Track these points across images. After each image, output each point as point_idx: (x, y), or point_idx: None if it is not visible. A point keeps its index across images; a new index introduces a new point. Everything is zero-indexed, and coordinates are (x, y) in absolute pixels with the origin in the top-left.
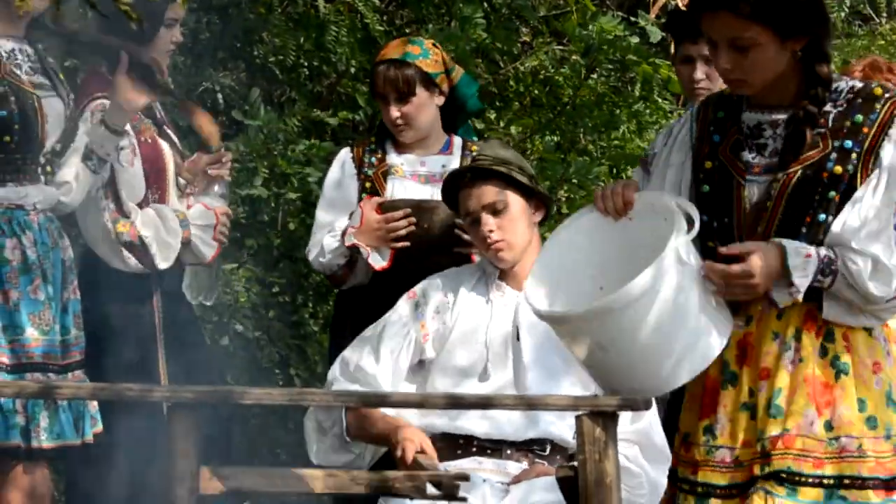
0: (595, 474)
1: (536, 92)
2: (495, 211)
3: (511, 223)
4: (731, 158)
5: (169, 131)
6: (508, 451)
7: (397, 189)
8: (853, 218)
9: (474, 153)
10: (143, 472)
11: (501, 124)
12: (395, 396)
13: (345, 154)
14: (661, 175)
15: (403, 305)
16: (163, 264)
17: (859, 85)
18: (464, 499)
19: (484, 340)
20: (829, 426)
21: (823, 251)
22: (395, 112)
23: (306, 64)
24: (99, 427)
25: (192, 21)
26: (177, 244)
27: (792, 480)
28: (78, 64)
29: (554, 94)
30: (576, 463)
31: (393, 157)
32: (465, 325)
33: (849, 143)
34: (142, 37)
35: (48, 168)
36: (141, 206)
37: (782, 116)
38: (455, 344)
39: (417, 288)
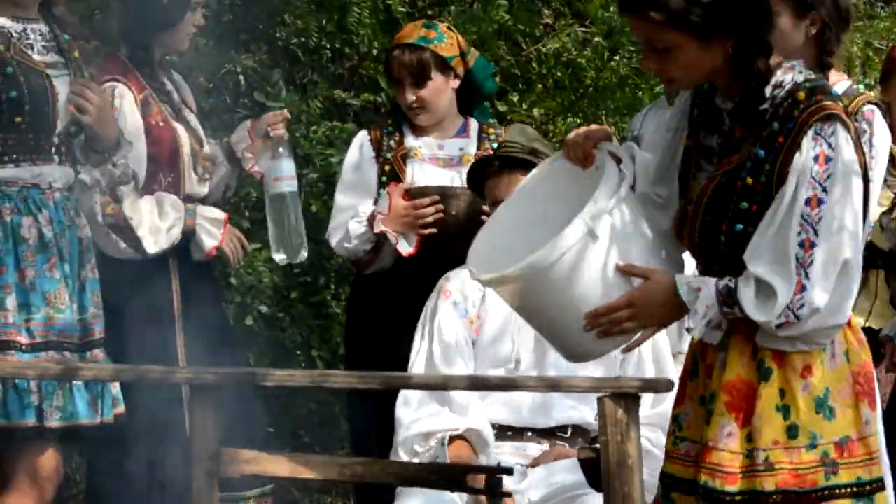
0: (617, 456)
1: (559, 74)
2: None
3: None
4: (695, 141)
5: (188, 115)
6: (529, 434)
7: (417, 173)
8: (754, 238)
9: (500, 139)
10: (161, 454)
11: (524, 106)
12: (417, 378)
13: (362, 137)
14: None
15: (446, 312)
16: (152, 248)
17: (798, 80)
18: (509, 494)
19: (513, 331)
20: (749, 437)
21: (723, 282)
22: (410, 96)
23: (328, 46)
24: (121, 408)
25: (214, 3)
26: (172, 230)
27: (707, 497)
28: (98, 46)
29: (576, 77)
30: (598, 445)
31: (411, 140)
32: (496, 318)
33: (762, 153)
34: (168, 22)
35: (63, 148)
36: (146, 189)
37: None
38: (487, 336)
39: (450, 286)
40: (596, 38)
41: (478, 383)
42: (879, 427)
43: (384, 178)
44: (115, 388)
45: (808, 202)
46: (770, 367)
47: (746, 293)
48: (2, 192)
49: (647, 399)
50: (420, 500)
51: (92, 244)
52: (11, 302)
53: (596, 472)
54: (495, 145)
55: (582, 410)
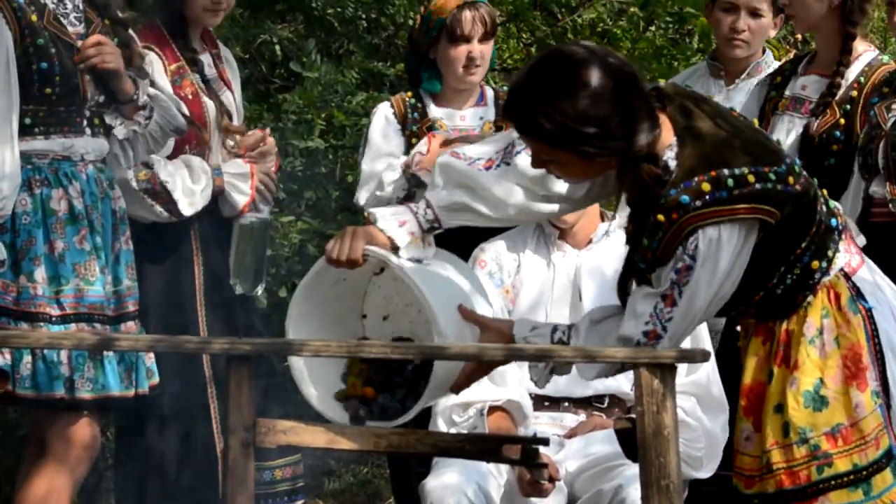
0: (653, 426)
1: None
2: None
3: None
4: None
5: (222, 90)
6: (566, 404)
7: None
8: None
9: None
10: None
11: None
12: (453, 349)
13: (385, 109)
14: None
15: (482, 281)
16: (187, 210)
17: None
18: (544, 465)
19: (547, 303)
20: (763, 439)
21: (557, 335)
22: (477, 50)
23: (364, 16)
24: (155, 379)
25: None
26: (204, 191)
27: (739, 500)
28: (136, 16)
29: (612, 47)
30: (634, 415)
31: (434, 111)
32: (531, 289)
33: (646, 241)
34: None
35: (95, 120)
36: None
37: None
38: (523, 306)
39: (486, 256)
40: (632, 9)
41: (514, 354)
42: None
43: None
44: (150, 359)
45: (678, 271)
46: (772, 368)
47: (581, 342)
48: (32, 165)
49: (681, 368)
50: (456, 470)
51: (126, 216)
52: (41, 274)
53: (632, 442)
54: None
55: (618, 380)
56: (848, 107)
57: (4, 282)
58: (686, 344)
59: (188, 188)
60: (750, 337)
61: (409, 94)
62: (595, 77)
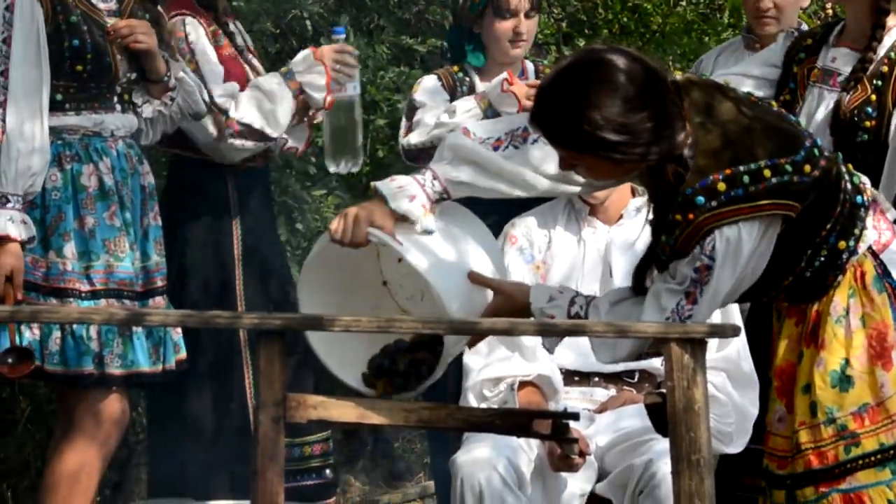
0: (684, 401)
1: (625, 19)
2: None
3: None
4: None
5: (250, 58)
6: (596, 379)
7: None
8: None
9: None
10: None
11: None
12: (484, 324)
13: (434, 81)
14: None
15: (513, 258)
16: (276, 132)
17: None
18: (574, 439)
19: (578, 279)
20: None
21: (574, 309)
22: (523, 25)
23: None
24: (182, 354)
25: None
26: (284, 105)
27: (768, 479)
28: None
29: (643, 22)
30: (664, 390)
31: (479, 86)
32: (561, 265)
33: (664, 238)
34: None
35: (126, 96)
36: None
37: None
38: (554, 282)
39: (516, 232)
40: None
41: (545, 329)
42: None
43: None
44: (177, 334)
45: (696, 270)
46: (802, 349)
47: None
48: (63, 140)
49: (712, 343)
50: (487, 445)
51: (155, 191)
52: (70, 249)
53: (662, 417)
54: None
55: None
56: (879, 83)
57: (34, 257)
58: (717, 319)
59: (266, 111)
60: (783, 319)
61: (456, 67)
62: (624, 84)
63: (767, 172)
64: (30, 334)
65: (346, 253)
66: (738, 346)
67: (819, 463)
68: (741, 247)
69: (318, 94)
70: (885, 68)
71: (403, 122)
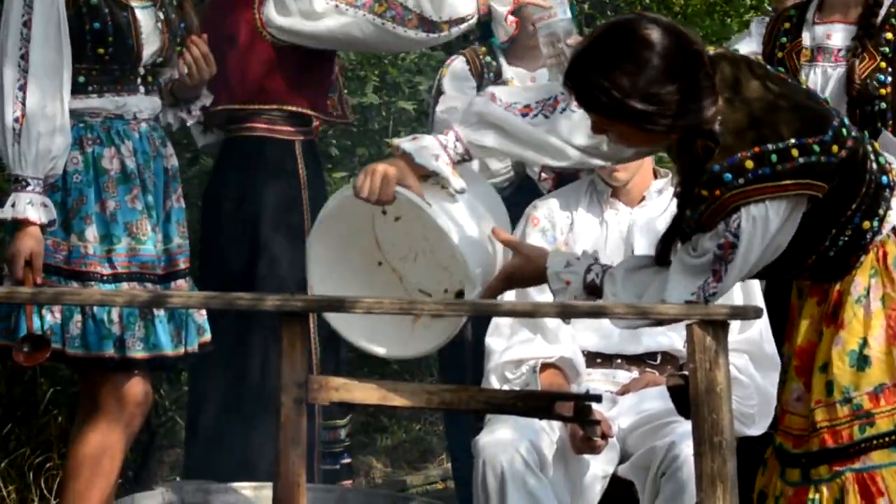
0: (706, 383)
1: (647, 1)
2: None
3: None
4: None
5: None
6: (618, 361)
7: None
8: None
9: None
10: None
11: None
12: (506, 306)
13: (461, 63)
14: None
15: (535, 240)
16: (436, 14)
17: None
18: (596, 421)
19: (601, 259)
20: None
21: (591, 276)
22: None
23: None
24: (206, 336)
25: None
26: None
27: (781, 457)
28: None
29: (665, 4)
30: (686, 372)
31: (507, 71)
32: (584, 247)
33: (689, 213)
34: None
35: (149, 78)
36: None
37: None
38: None
39: (538, 213)
40: None
41: (567, 310)
42: None
43: None
44: (201, 317)
45: (720, 247)
46: (822, 329)
47: (618, 291)
48: (84, 123)
49: (734, 325)
50: (509, 427)
51: (178, 174)
52: (92, 233)
53: (684, 399)
54: None
55: (671, 337)
56: (886, 49)
57: (55, 240)
58: (739, 300)
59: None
60: (805, 297)
61: (483, 49)
62: (657, 54)
63: (795, 152)
64: (51, 318)
65: (353, 209)
66: (761, 328)
67: (833, 442)
68: (767, 225)
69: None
70: (890, 35)
71: (432, 105)
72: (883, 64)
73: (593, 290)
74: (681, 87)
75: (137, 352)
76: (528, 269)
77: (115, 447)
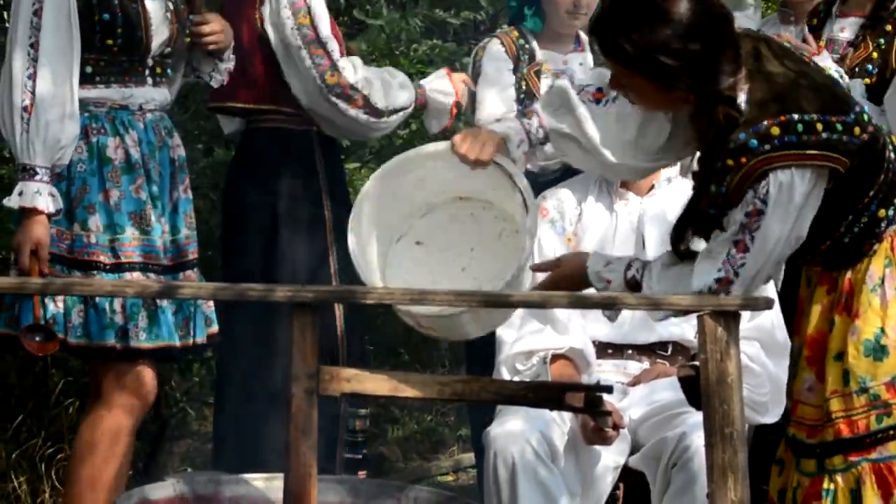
0: (717, 373)
1: None
2: None
3: None
4: None
5: None
6: (629, 352)
7: None
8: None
9: None
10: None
11: None
12: (517, 297)
13: (496, 46)
14: None
15: (544, 231)
16: (382, 102)
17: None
18: (607, 412)
19: (609, 251)
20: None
21: (631, 272)
22: None
23: None
24: (214, 328)
25: None
26: (400, 82)
27: (794, 447)
28: None
29: None
30: (697, 362)
31: (539, 55)
32: (593, 237)
33: (714, 188)
34: None
35: (157, 69)
36: None
37: None
38: None
39: (548, 204)
40: None
41: (578, 301)
42: None
43: (521, 96)
44: (209, 308)
45: (748, 215)
46: (834, 317)
47: (653, 285)
48: (89, 112)
49: (745, 312)
50: (520, 418)
51: (185, 164)
52: (95, 222)
53: (695, 390)
54: None
55: (682, 328)
56: (882, 41)
57: (59, 229)
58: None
59: (385, 80)
60: (814, 286)
61: (516, 33)
62: (685, 12)
63: (819, 126)
64: (53, 307)
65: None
66: (772, 316)
67: (849, 432)
68: (793, 192)
69: (443, 101)
70: (889, 27)
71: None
72: (875, 55)
73: (634, 287)
74: (705, 47)
75: (142, 342)
76: (570, 272)
77: (120, 435)
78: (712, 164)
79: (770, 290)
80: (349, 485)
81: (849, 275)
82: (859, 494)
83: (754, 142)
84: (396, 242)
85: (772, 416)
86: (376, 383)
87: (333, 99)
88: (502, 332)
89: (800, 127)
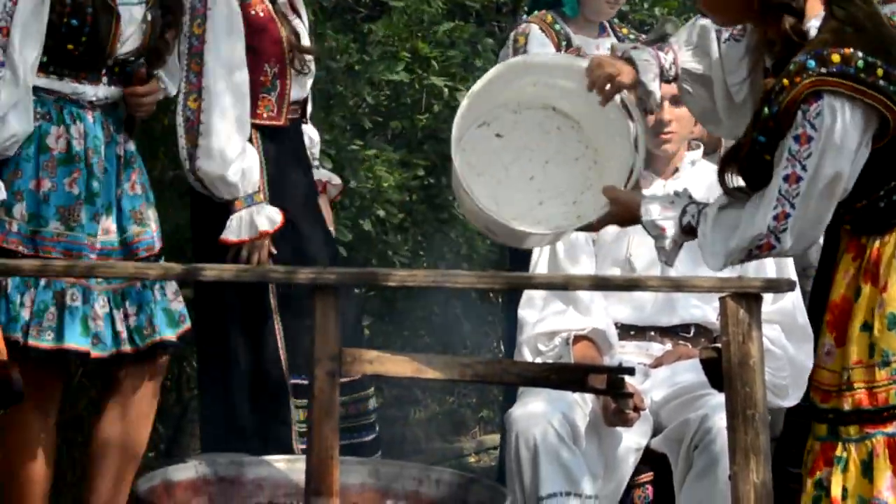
0: (739, 356)
1: None
2: (676, 101)
3: (686, 116)
4: None
5: (287, 12)
6: (651, 333)
7: None
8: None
9: (640, 40)
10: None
11: (645, 6)
12: (539, 278)
13: (533, 30)
14: None
15: None
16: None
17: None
18: (629, 394)
19: (631, 233)
20: (844, 356)
21: (686, 219)
22: None
23: None
24: (185, 325)
25: None
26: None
27: (811, 412)
28: None
29: None
30: (719, 344)
31: (574, 39)
32: None
33: (766, 110)
34: None
35: (115, 69)
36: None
37: None
38: (609, 235)
39: None
40: None
41: (601, 283)
42: None
43: None
44: (179, 304)
45: (797, 139)
46: (861, 285)
47: (707, 231)
48: (38, 97)
49: (767, 295)
50: (542, 400)
51: (135, 159)
52: (20, 210)
53: (717, 372)
54: None
55: (705, 310)
56: None
57: None
58: (772, 273)
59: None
60: (842, 252)
61: (550, 17)
62: None
63: (881, 72)
64: None
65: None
66: (793, 299)
67: (869, 403)
68: (845, 125)
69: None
70: None
71: None
72: None
73: (690, 232)
74: None
75: (41, 341)
76: (626, 216)
77: (29, 431)
78: (773, 85)
79: (792, 273)
80: (371, 466)
81: (877, 244)
82: (871, 466)
83: (812, 63)
84: (478, 127)
85: (792, 400)
86: (398, 365)
87: (179, 119)
88: (524, 313)
89: (861, 63)
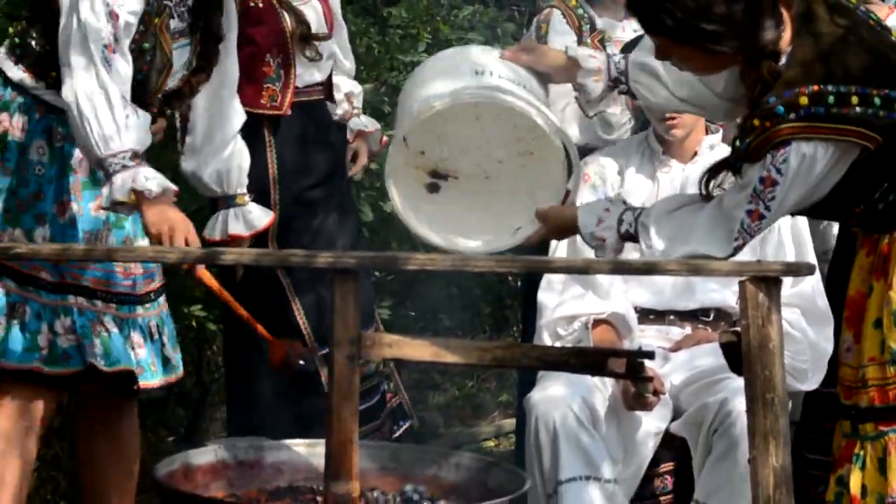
0: (758, 339)
1: None
2: None
3: None
4: None
5: (297, 3)
6: (671, 317)
7: None
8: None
9: None
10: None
11: None
12: (559, 262)
13: (555, 16)
14: None
15: (586, 196)
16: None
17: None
18: (649, 378)
19: None
20: (861, 352)
21: (624, 226)
22: None
23: None
24: (177, 373)
25: None
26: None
27: (840, 409)
28: None
29: None
30: (739, 328)
31: (598, 22)
32: (635, 201)
33: (737, 143)
34: None
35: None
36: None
37: None
38: None
39: (589, 170)
40: None
41: (620, 267)
42: None
43: None
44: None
45: (762, 181)
46: (873, 282)
47: (653, 241)
48: (60, 119)
49: (786, 279)
50: (562, 383)
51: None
52: (42, 234)
53: (737, 355)
54: None
55: (724, 293)
56: None
57: None
58: (791, 257)
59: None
60: (858, 247)
61: (573, 1)
62: None
63: (855, 100)
64: None
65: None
66: (813, 282)
67: (880, 401)
68: (813, 166)
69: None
70: None
71: None
72: None
73: (629, 238)
74: (744, 6)
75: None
76: (562, 231)
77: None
78: (745, 120)
79: (811, 256)
80: (390, 451)
81: (887, 240)
82: (885, 464)
83: (781, 108)
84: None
85: (812, 384)
86: (417, 349)
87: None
88: (544, 297)
89: (831, 99)
